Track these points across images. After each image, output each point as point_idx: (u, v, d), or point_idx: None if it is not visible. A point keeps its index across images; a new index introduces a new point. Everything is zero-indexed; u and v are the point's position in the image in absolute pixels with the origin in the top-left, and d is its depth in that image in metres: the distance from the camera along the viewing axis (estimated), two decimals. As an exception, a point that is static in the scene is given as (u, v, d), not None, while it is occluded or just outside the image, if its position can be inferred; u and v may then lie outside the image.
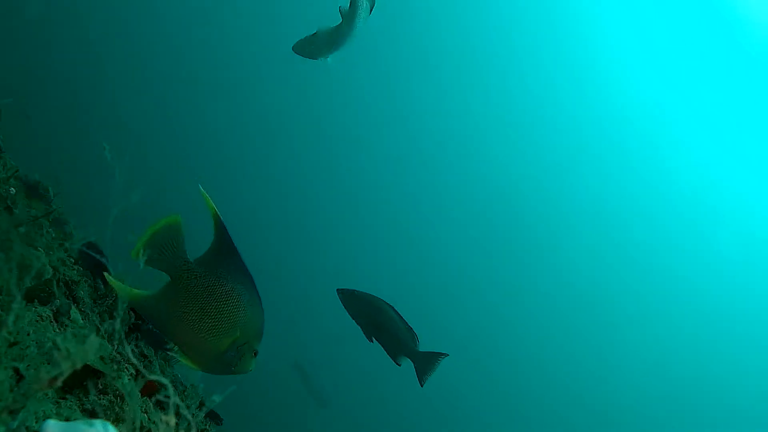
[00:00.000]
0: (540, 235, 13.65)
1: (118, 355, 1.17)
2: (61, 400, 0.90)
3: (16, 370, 0.77)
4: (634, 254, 13.69)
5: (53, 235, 1.39)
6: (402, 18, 12.76)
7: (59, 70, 9.98)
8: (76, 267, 1.49)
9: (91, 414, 0.92)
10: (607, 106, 13.60)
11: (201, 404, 1.80)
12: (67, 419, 0.85)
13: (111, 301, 1.55)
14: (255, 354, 1.19)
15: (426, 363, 2.01)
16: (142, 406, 1.14)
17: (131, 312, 1.63)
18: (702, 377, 12.58)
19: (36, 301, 1.14)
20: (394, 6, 12.77)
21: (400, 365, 2.05)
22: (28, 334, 0.90)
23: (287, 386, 8.64)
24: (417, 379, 1.99)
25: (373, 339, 2.04)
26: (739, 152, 13.44)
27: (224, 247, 1.19)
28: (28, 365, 0.79)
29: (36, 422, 0.75)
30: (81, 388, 0.95)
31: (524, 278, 13.34)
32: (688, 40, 12.70)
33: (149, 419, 1.14)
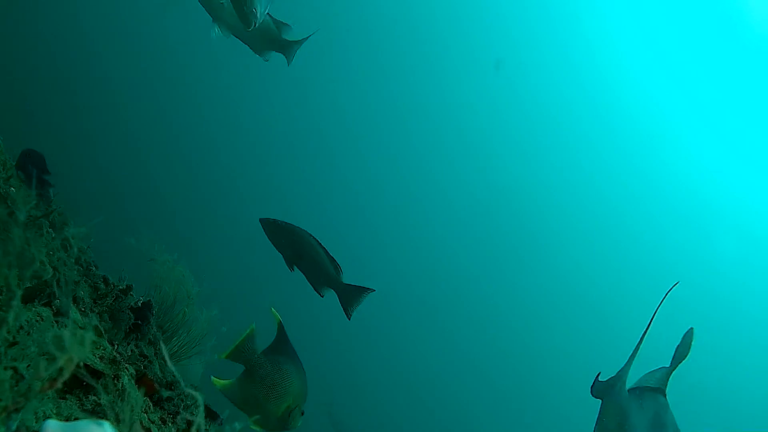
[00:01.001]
0: (538, 233, 13.65)
1: (118, 355, 1.17)
2: (61, 400, 0.90)
3: (16, 370, 0.77)
4: (633, 253, 13.69)
5: (53, 235, 1.39)
6: (402, 18, 12.77)
7: (59, 70, 9.98)
8: (76, 267, 1.50)
9: (91, 414, 0.92)
10: (606, 104, 13.60)
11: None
12: (67, 419, 0.85)
13: (111, 301, 1.55)
14: (302, 413, 1.61)
15: (350, 295, 2.04)
16: (142, 406, 1.14)
17: (131, 312, 1.62)
18: (701, 377, 12.59)
19: (36, 301, 1.14)
20: (394, 6, 12.80)
21: (322, 296, 2.09)
22: (28, 334, 0.90)
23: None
24: (343, 311, 2.03)
25: (295, 268, 2.03)
26: (739, 150, 13.45)
27: (281, 342, 1.61)
28: (28, 365, 0.79)
29: (36, 422, 0.75)
30: (81, 388, 0.95)
31: (523, 278, 13.33)
32: (689, 36, 12.70)
33: (149, 419, 1.15)
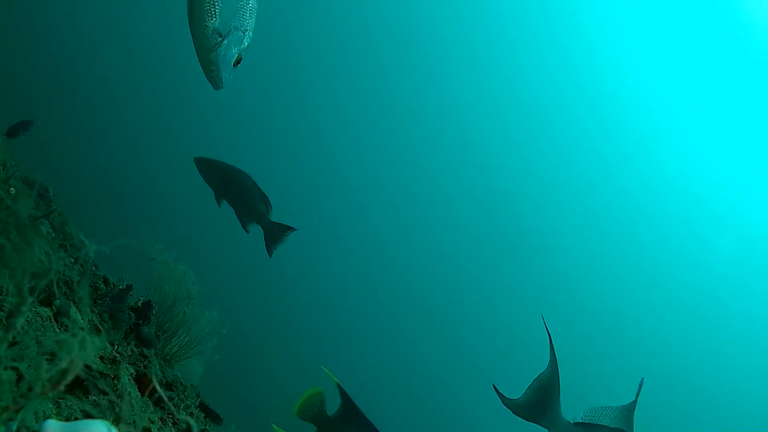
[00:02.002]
0: (536, 233, 13.64)
1: (117, 355, 1.17)
2: (60, 400, 0.90)
3: (16, 370, 0.76)
4: (632, 253, 13.69)
5: (53, 235, 1.39)
6: (402, 18, 12.77)
7: (60, 69, 9.98)
8: (76, 267, 1.50)
9: (91, 414, 0.92)
10: (605, 104, 13.60)
11: (201, 404, 1.80)
12: (67, 419, 0.85)
13: (111, 301, 1.55)
14: None
15: (273, 232, 2.04)
16: (141, 406, 1.14)
17: (131, 312, 1.62)
18: (701, 376, 12.59)
19: (36, 301, 1.14)
20: (394, 5, 12.80)
21: (248, 232, 2.07)
22: (28, 334, 0.90)
23: (287, 386, 8.64)
24: (265, 248, 2.04)
25: (223, 202, 2.04)
26: (736, 151, 13.44)
27: (350, 411, 1.62)
28: (29, 365, 0.79)
29: (36, 422, 0.75)
30: (81, 388, 0.95)
31: (521, 277, 13.33)
32: (687, 37, 12.69)
33: (149, 419, 1.15)
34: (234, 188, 2.03)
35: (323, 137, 12.95)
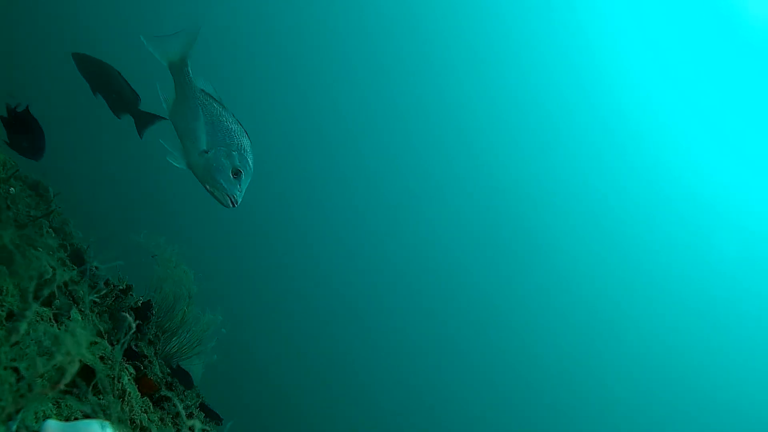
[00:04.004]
0: (539, 234, 13.63)
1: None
2: (60, 400, 0.90)
3: (16, 370, 0.76)
4: (633, 253, 13.68)
5: (53, 235, 1.39)
6: (402, 17, 12.76)
7: (59, 69, 9.97)
8: (76, 267, 1.50)
9: (91, 414, 0.92)
10: (605, 103, 13.58)
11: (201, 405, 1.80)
12: (66, 419, 0.85)
13: (110, 301, 1.55)
14: None
15: (144, 119, 2.22)
16: (141, 406, 1.14)
17: (131, 312, 1.62)
18: (701, 376, 12.58)
19: (38, 303, 1.14)
20: (394, 5, 12.79)
21: (120, 118, 2.26)
22: (28, 334, 0.90)
23: (287, 386, 8.64)
24: (137, 132, 2.19)
25: (98, 94, 2.27)
26: (738, 149, 13.43)
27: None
28: (28, 365, 0.79)
29: (36, 422, 0.75)
30: (80, 388, 0.95)
31: (523, 277, 13.32)
32: (687, 36, 12.67)
33: (149, 419, 1.14)
34: (106, 80, 2.26)
35: (323, 137, 12.94)
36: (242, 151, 1.69)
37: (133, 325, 1.54)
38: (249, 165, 1.70)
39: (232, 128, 1.70)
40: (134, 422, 1.05)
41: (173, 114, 1.75)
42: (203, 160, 1.63)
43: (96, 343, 1.11)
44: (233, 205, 1.67)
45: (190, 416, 1.45)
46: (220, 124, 1.71)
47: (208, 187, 1.64)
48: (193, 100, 1.71)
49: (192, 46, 1.68)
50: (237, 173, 1.66)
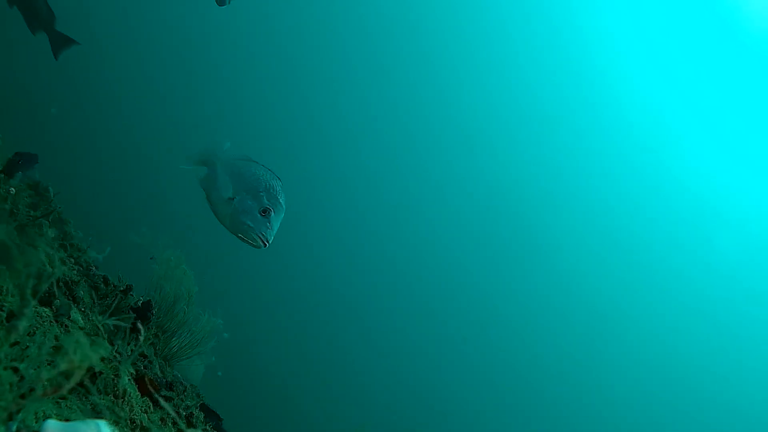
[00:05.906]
0: (539, 235, 13.63)
1: (118, 355, 1.17)
2: (61, 400, 0.90)
3: (16, 370, 0.76)
4: (633, 253, 13.67)
5: (53, 235, 1.39)
6: (402, 17, 12.76)
7: (59, 68, 9.96)
8: (76, 267, 1.50)
9: (91, 414, 0.92)
10: (605, 104, 13.58)
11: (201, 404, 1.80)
12: (67, 419, 0.85)
13: (110, 301, 1.55)
14: None
15: (59, 40, 2.30)
16: (141, 406, 1.14)
17: (131, 311, 1.62)
18: (701, 377, 12.58)
19: (36, 301, 1.14)
20: (393, 5, 12.79)
21: (35, 35, 2.37)
22: (28, 335, 0.90)
23: (287, 387, 8.64)
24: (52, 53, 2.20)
25: (14, 6, 2.34)
26: (738, 150, 13.43)
27: None
28: (28, 365, 0.79)
29: (36, 422, 0.75)
30: (81, 388, 0.95)
31: (523, 277, 13.32)
32: (687, 37, 12.67)
33: (149, 419, 1.14)
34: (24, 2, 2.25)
35: (323, 136, 12.95)
36: (271, 191, 1.68)
37: (143, 334, 1.54)
38: (280, 203, 1.69)
39: (258, 173, 1.69)
40: (134, 422, 1.05)
41: (203, 181, 1.75)
42: (229, 207, 1.62)
43: (96, 343, 1.11)
44: (264, 245, 1.65)
45: (190, 416, 1.45)
46: (245, 173, 1.71)
47: (237, 233, 1.64)
48: (223, 175, 1.73)
49: (214, 154, 1.70)
50: (266, 211, 1.65)
